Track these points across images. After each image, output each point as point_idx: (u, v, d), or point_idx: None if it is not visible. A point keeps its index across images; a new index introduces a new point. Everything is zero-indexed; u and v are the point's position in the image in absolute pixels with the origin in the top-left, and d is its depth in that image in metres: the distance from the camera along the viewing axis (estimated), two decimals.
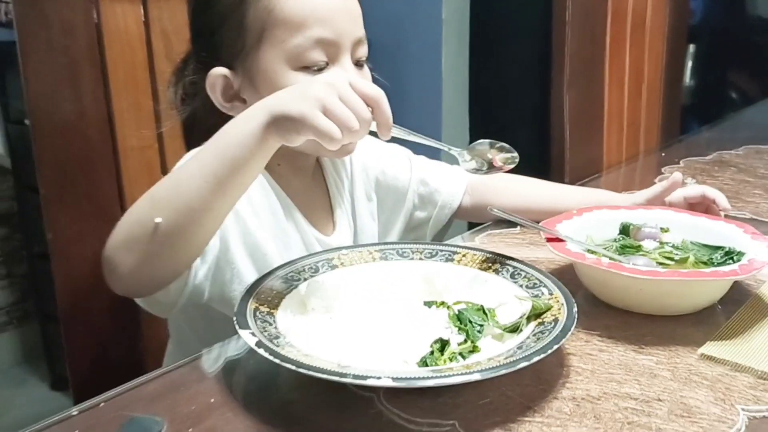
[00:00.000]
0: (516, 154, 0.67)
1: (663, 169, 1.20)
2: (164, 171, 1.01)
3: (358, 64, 0.78)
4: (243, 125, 0.61)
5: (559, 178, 1.22)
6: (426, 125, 2.62)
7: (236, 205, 0.74)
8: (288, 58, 0.74)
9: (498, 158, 0.67)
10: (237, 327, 0.57)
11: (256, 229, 0.77)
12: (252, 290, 0.64)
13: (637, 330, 0.66)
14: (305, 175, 0.86)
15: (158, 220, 0.60)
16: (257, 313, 0.60)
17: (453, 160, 0.73)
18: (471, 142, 0.68)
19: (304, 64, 0.74)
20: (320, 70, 0.75)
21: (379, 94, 0.60)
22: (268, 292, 0.64)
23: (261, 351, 0.53)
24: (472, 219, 0.98)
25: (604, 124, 1.32)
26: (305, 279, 0.68)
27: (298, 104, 0.58)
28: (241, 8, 0.75)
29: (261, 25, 0.74)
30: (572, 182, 1.18)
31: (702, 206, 0.84)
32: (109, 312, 1.00)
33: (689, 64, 3.25)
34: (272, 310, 0.62)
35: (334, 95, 0.58)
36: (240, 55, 0.76)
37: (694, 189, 0.85)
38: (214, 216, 0.63)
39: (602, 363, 0.61)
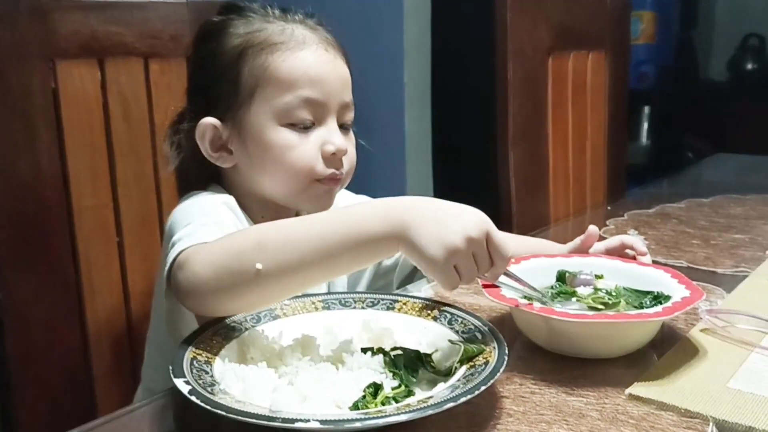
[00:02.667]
0: None
1: (608, 222, 1.24)
2: (119, 230, 1.02)
3: (343, 127, 0.83)
4: (376, 226, 0.62)
5: (507, 231, 1.26)
6: (391, 186, 2.67)
7: None
8: (276, 114, 0.79)
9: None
10: (172, 376, 0.58)
11: None
12: (191, 339, 0.65)
13: (569, 373, 0.68)
14: None
15: (259, 266, 0.62)
16: (194, 362, 0.61)
17: None
18: None
19: (291, 121, 0.79)
20: (306, 128, 0.80)
21: (506, 258, 0.64)
22: (208, 342, 0.65)
23: (193, 398, 0.54)
24: None
25: (549, 179, 1.37)
26: (246, 329, 0.69)
27: (436, 249, 0.60)
28: (238, 65, 0.80)
29: (255, 82, 0.79)
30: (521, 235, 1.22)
31: (626, 255, 0.88)
32: (63, 374, 0.99)
33: (645, 125, 3.39)
34: (210, 359, 0.63)
35: (470, 253, 0.61)
36: (232, 109, 0.81)
37: (612, 240, 0.89)
38: (312, 281, 0.66)
39: (534, 405, 0.63)
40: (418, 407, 0.54)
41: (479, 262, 0.62)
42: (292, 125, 0.79)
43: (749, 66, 3.54)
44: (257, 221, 0.84)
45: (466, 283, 0.63)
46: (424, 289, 0.93)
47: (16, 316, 0.94)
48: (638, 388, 0.64)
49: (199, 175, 0.86)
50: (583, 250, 0.91)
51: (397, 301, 0.75)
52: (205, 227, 0.71)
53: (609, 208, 1.37)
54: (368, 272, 0.96)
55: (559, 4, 1.35)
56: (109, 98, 1.02)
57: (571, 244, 0.93)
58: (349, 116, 0.84)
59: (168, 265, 0.68)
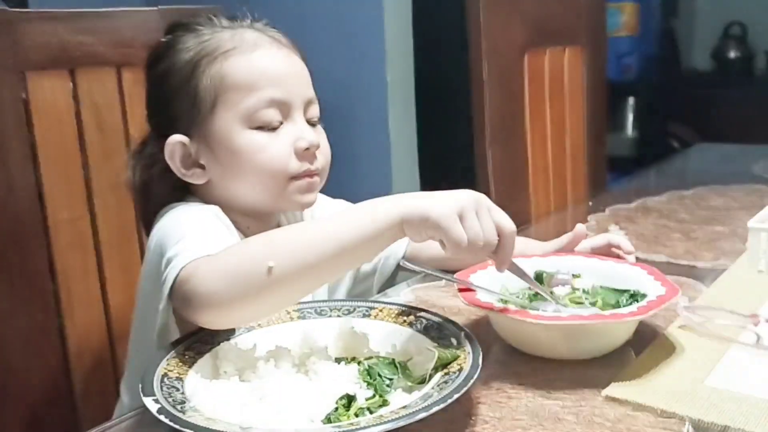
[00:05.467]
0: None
1: (589, 218, 1.24)
2: (96, 242, 1.01)
3: (310, 123, 0.83)
4: (374, 218, 0.63)
5: None
6: (377, 185, 2.67)
7: None
8: (243, 118, 0.78)
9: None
10: (141, 394, 0.57)
11: None
12: (163, 355, 0.64)
13: (546, 375, 0.68)
14: None
15: (271, 264, 0.61)
16: (165, 379, 0.60)
17: None
18: None
19: (259, 124, 0.79)
20: (274, 129, 0.79)
21: (512, 228, 0.65)
22: (180, 357, 0.65)
23: (161, 417, 0.53)
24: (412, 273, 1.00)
25: (529, 177, 1.36)
26: (220, 342, 0.68)
27: (440, 207, 0.62)
28: (194, 78, 0.79)
29: (214, 92, 0.79)
30: None
31: (612, 253, 0.88)
32: (44, 389, 0.98)
33: (630, 116, 3.40)
34: (182, 375, 0.62)
35: (473, 210, 0.63)
36: (195, 122, 0.80)
37: (598, 239, 0.89)
38: (321, 278, 0.68)
39: (510, 410, 0.62)
40: (390, 419, 0.53)
41: (484, 225, 0.63)
42: (260, 127, 0.79)
43: (732, 54, 3.55)
44: (244, 232, 0.83)
45: (473, 241, 0.63)
46: (404, 293, 0.92)
47: None
48: (615, 389, 0.64)
49: (167, 196, 0.84)
50: (568, 249, 0.90)
51: (373, 308, 0.75)
52: (203, 239, 0.70)
53: (590, 203, 1.37)
54: (348, 279, 0.96)
55: (533, 0, 1.34)
56: (81, 109, 1.01)
57: (556, 243, 0.92)
58: (315, 111, 0.84)
59: (171, 281, 0.67)
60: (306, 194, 0.82)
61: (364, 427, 0.52)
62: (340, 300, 0.80)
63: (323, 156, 0.84)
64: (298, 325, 0.73)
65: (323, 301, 0.78)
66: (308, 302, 0.77)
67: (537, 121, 1.37)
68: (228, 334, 0.70)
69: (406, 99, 2.69)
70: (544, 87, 1.39)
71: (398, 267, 0.98)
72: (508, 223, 0.65)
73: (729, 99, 3.32)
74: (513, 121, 1.30)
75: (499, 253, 0.66)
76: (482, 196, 0.65)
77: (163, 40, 0.84)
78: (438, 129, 2.68)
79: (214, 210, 0.81)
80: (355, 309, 0.75)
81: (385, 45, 2.59)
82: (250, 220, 0.84)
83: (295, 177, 0.80)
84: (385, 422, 0.53)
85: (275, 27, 0.86)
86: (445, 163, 2.60)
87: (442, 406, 0.54)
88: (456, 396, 0.56)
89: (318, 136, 0.83)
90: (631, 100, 3.35)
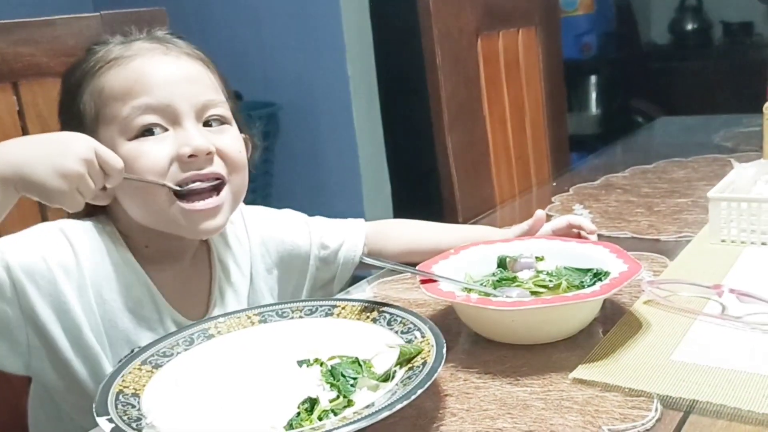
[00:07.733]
0: None
1: (553, 198, 1.23)
2: None
3: (209, 124, 0.76)
4: None
5: (452, 218, 1.24)
6: (345, 180, 2.64)
7: (89, 300, 0.73)
8: (121, 130, 0.73)
9: None
10: (95, 415, 0.55)
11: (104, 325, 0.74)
12: (119, 371, 0.62)
13: (513, 362, 0.67)
14: (180, 258, 0.81)
15: None
16: (120, 397, 0.58)
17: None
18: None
19: (138, 133, 0.73)
20: (157, 137, 0.73)
21: (120, 169, 0.69)
22: (136, 372, 0.62)
23: None
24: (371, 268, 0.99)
25: (491, 161, 1.35)
26: (178, 353, 0.66)
27: (58, 181, 0.64)
28: (77, 96, 0.76)
29: (95, 107, 0.75)
30: (466, 221, 1.21)
31: (573, 234, 0.87)
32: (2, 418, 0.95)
33: (593, 94, 3.41)
34: (138, 391, 0.60)
35: (87, 174, 0.66)
36: None
37: (559, 221, 0.88)
38: None
39: (478, 401, 0.61)
40: (353, 420, 0.52)
41: (95, 178, 0.67)
42: (139, 136, 0.73)
43: (689, 26, 3.58)
44: (141, 253, 0.77)
45: (90, 200, 0.68)
46: (367, 289, 0.91)
47: None
48: (582, 371, 0.63)
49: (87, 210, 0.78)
50: (530, 235, 0.90)
51: (335, 306, 0.73)
52: None
53: (554, 183, 1.37)
54: (306, 288, 0.93)
55: None
56: (27, 122, 0.98)
57: (517, 229, 0.92)
58: (216, 112, 0.76)
59: None
60: (205, 221, 0.74)
61: (327, 431, 0.51)
62: (302, 300, 0.78)
63: (230, 161, 0.75)
64: (260, 329, 0.71)
65: (285, 302, 0.76)
66: (267, 305, 0.75)
67: (495, 104, 1.36)
68: (186, 344, 0.68)
69: (369, 92, 2.67)
70: (500, 70, 1.38)
71: (359, 265, 0.96)
72: (115, 165, 0.68)
73: (689, 71, 3.35)
74: (470, 106, 1.29)
75: (110, 184, 0.69)
76: (91, 143, 0.67)
77: (73, 61, 0.80)
78: (402, 120, 2.66)
79: (65, 225, 0.76)
80: (317, 309, 0.73)
81: (344, 39, 2.56)
82: (151, 240, 0.78)
83: (181, 196, 0.72)
84: (347, 424, 0.51)
85: (180, 36, 0.81)
86: (412, 153, 2.58)
87: (405, 402, 0.53)
88: (420, 391, 0.54)
89: (222, 138, 0.75)
90: (592, 79, 3.36)
